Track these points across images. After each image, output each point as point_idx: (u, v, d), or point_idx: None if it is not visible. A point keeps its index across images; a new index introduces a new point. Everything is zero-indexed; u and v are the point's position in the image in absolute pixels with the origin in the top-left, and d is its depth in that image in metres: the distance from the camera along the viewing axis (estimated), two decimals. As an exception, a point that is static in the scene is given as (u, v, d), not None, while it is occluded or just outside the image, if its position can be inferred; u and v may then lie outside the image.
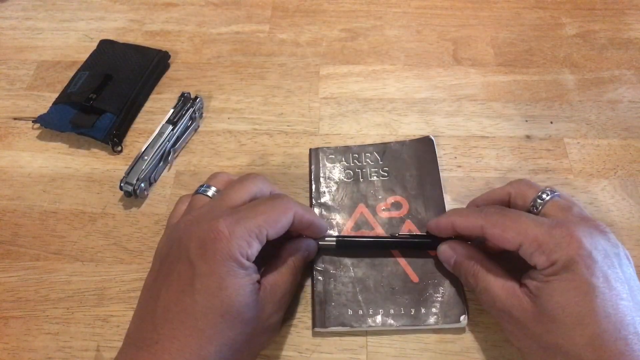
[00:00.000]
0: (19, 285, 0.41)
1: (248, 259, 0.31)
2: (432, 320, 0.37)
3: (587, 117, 0.49)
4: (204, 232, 0.31)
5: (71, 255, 0.42)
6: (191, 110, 0.48)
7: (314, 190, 0.44)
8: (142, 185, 0.44)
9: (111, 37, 0.56)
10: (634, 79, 0.52)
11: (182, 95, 0.49)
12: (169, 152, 0.46)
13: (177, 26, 0.59)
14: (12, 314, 0.39)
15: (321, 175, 0.45)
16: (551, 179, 0.45)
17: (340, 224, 0.42)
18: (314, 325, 0.37)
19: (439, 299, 0.38)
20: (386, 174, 0.44)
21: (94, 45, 0.55)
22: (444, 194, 0.43)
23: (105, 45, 0.55)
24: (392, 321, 0.37)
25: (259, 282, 0.33)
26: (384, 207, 0.43)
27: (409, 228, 0.42)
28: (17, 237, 0.43)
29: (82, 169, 0.47)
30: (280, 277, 0.35)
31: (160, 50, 0.54)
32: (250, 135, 0.49)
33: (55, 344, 0.38)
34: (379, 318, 0.37)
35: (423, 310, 0.37)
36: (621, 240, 0.41)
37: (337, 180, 0.44)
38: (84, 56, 0.54)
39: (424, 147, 0.46)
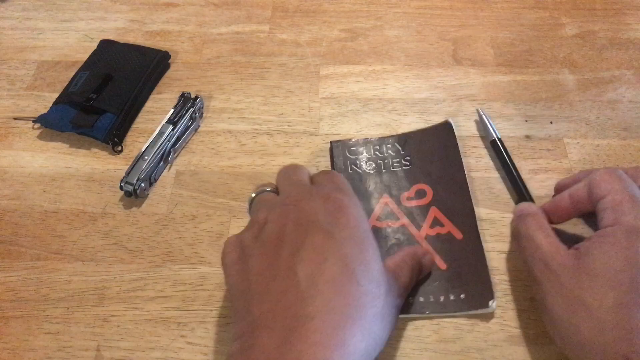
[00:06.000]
0: (19, 285, 0.41)
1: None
2: (461, 306, 0.37)
3: (587, 117, 0.49)
4: (324, 203, 0.31)
5: (71, 255, 0.42)
6: (191, 110, 0.48)
7: None
8: (143, 185, 0.44)
9: (111, 37, 0.56)
10: (633, 79, 0.52)
11: (183, 95, 0.49)
12: (169, 152, 0.46)
13: (178, 26, 0.59)
14: (12, 313, 0.39)
15: (343, 167, 0.45)
16: (551, 179, 0.45)
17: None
18: None
19: (467, 285, 0.38)
20: (408, 163, 0.44)
21: (94, 45, 0.55)
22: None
23: (106, 45, 0.55)
24: (421, 308, 0.37)
25: None
26: (408, 196, 0.43)
27: (434, 215, 0.41)
28: (17, 236, 0.43)
29: (82, 168, 0.47)
30: (399, 262, 0.35)
31: (160, 50, 0.54)
32: (250, 135, 0.49)
33: (55, 343, 0.38)
34: (408, 306, 0.37)
35: (452, 297, 0.37)
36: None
37: (361, 172, 0.44)
38: (84, 56, 0.54)
39: (444, 132, 0.46)
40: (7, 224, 0.44)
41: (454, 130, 0.46)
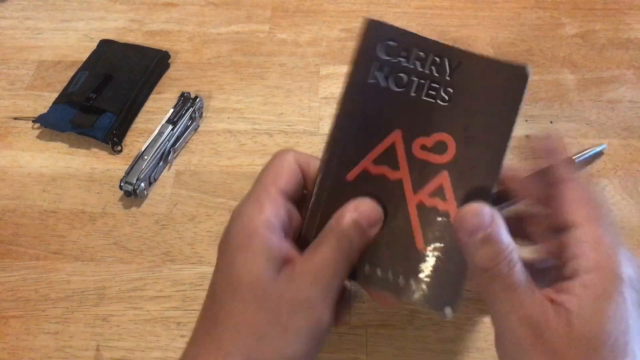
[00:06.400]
0: (19, 285, 0.41)
1: (265, 226, 0.27)
2: (416, 296, 0.30)
3: (587, 117, 0.49)
4: (228, 223, 0.29)
5: (71, 255, 0.42)
6: (191, 110, 0.48)
7: (343, 90, 0.32)
8: (142, 185, 0.44)
9: (111, 37, 0.56)
10: (634, 78, 0.52)
11: (182, 95, 0.49)
12: (169, 152, 0.46)
13: (177, 26, 0.59)
14: (12, 313, 0.39)
15: (365, 69, 0.32)
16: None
17: (356, 153, 0.31)
18: None
19: (436, 279, 0.30)
20: (447, 98, 0.31)
21: (94, 45, 0.55)
22: None
23: (105, 45, 0.55)
24: (375, 282, 0.30)
25: (288, 256, 0.28)
26: (423, 144, 0.31)
27: (441, 182, 0.31)
28: (17, 236, 0.43)
29: (82, 168, 0.47)
30: (316, 250, 0.28)
31: (160, 50, 0.54)
32: (250, 135, 0.49)
33: (55, 343, 0.38)
34: (375, 279, 0.30)
35: (412, 285, 0.30)
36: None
37: (382, 85, 0.31)
38: (84, 56, 0.54)
39: (514, 79, 0.31)
40: (7, 223, 0.44)
41: (526, 84, 0.31)
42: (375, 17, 0.33)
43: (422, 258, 0.30)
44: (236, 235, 0.28)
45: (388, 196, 0.31)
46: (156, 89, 0.53)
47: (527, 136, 0.48)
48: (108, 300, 0.40)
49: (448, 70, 0.32)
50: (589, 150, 0.45)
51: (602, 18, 0.58)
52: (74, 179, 0.47)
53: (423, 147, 0.31)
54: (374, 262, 0.30)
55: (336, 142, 0.31)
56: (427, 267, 0.30)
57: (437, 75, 0.31)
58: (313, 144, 0.48)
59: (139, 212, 0.44)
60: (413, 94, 0.31)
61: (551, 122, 0.49)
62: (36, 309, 0.39)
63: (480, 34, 0.57)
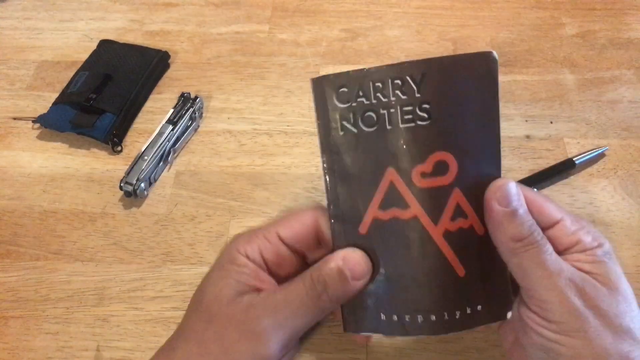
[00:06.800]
0: (18, 285, 0.41)
1: (246, 255, 0.28)
2: (476, 320, 0.29)
3: (587, 117, 0.49)
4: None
5: (71, 255, 0.42)
6: (191, 110, 0.48)
7: (321, 151, 0.29)
8: (142, 185, 0.44)
9: (111, 37, 0.56)
10: (634, 79, 0.52)
11: (182, 95, 0.49)
12: (169, 152, 0.46)
13: (177, 26, 0.59)
14: (12, 313, 0.39)
15: (332, 124, 0.29)
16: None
17: (359, 206, 0.29)
18: (345, 329, 0.30)
19: (486, 293, 0.29)
20: (426, 116, 0.28)
21: (93, 45, 0.55)
22: None
23: (105, 45, 0.55)
24: (432, 328, 0.29)
25: (262, 288, 0.28)
26: (423, 171, 0.29)
27: (457, 201, 0.29)
28: (17, 237, 0.43)
29: (82, 169, 0.47)
30: (285, 287, 0.28)
31: (160, 50, 0.54)
32: (250, 135, 0.49)
33: (55, 343, 0.38)
34: (416, 327, 0.29)
35: (469, 311, 0.29)
36: (621, 240, 0.41)
37: (354, 132, 0.29)
38: (84, 56, 0.54)
39: (484, 66, 0.29)
40: (7, 224, 0.44)
41: (497, 69, 0.29)
42: (319, 74, 0.32)
43: (468, 283, 0.29)
44: (221, 257, 0.29)
45: (410, 237, 0.29)
46: (156, 89, 0.53)
47: (527, 136, 0.48)
48: (108, 300, 0.40)
49: (414, 87, 0.29)
50: (590, 151, 0.45)
51: (602, 18, 0.58)
52: (74, 179, 0.47)
53: (423, 175, 0.29)
54: (420, 309, 0.29)
55: (335, 203, 0.29)
56: (476, 288, 0.29)
57: (405, 97, 0.28)
58: (313, 144, 0.48)
59: (139, 213, 0.44)
60: (389, 127, 0.29)
61: (551, 122, 0.49)
62: (36, 310, 0.39)
63: (480, 34, 0.57)
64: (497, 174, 0.29)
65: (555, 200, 0.30)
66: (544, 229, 0.28)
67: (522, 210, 0.27)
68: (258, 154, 0.48)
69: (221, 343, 0.26)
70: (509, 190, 0.27)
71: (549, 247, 0.27)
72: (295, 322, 0.27)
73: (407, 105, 0.28)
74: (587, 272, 0.27)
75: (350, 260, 0.28)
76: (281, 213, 0.31)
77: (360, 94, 0.29)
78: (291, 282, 0.28)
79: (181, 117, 0.47)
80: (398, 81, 0.28)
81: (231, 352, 0.26)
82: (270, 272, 0.29)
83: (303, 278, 0.27)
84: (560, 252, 0.28)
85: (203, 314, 0.27)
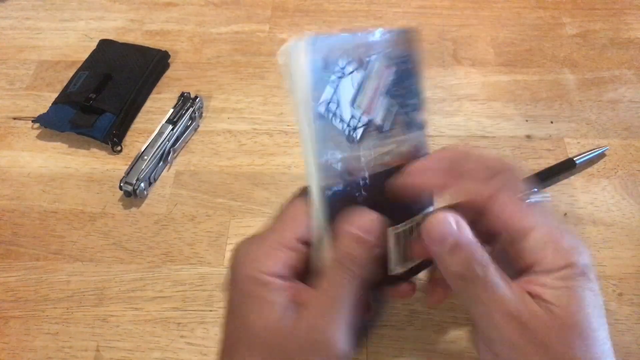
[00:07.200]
0: (18, 285, 0.41)
1: (273, 274, 0.27)
2: None
3: (588, 116, 0.49)
4: (232, 259, 0.29)
5: (71, 255, 0.42)
6: (191, 110, 0.48)
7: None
8: (142, 185, 0.44)
9: (111, 37, 0.56)
10: (634, 78, 0.52)
11: (182, 95, 0.49)
12: (169, 152, 0.46)
13: (177, 26, 0.59)
14: (11, 314, 0.39)
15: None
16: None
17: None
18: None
19: None
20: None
21: (93, 45, 0.55)
22: None
23: (105, 45, 0.55)
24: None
25: (300, 299, 0.27)
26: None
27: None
28: (16, 237, 0.43)
29: (81, 168, 0.47)
30: (322, 286, 0.27)
31: (160, 50, 0.54)
32: (250, 135, 0.49)
33: (54, 344, 0.38)
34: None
35: None
36: (621, 240, 0.41)
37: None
38: (84, 56, 0.54)
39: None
40: (7, 224, 0.44)
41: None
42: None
43: None
44: (246, 282, 0.27)
45: None
46: (156, 88, 0.53)
47: (527, 136, 0.48)
48: (108, 300, 0.40)
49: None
50: (590, 151, 0.45)
51: (602, 18, 0.58)
52: (74, 179, 0.47)
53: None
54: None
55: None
56: None
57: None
58: (313, 144, 0.48)
59: (138, 213, 0.44)
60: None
61: (551, 122, 0.49)
62: (36, 310, 0.39)
63: (481, 34, 0.57)
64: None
65: (543, 204, 0.28)
66: (514, 241, 0.27)
67: (458, 245, 0.26)
68: (258, 153, 0.48)
69: None
70: (441, 229, 0.26)
71: (492, 279, 0.25)
72: (348, 307, 0.27)
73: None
74: (543, 301, 0.25)
75: (359, 222, 0.27)
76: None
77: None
78: (322, 279, 0.27)
79: (181, 116, 0.47)
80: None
81: None
82: (298, 276, 0.28)
83: (330, 268, 0.27)
84: (522, 270, 0.26)
85: (265, 350, 0.26)
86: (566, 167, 0.45)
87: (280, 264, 0.27)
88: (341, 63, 0.27)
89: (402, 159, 0.29)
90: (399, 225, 0.29)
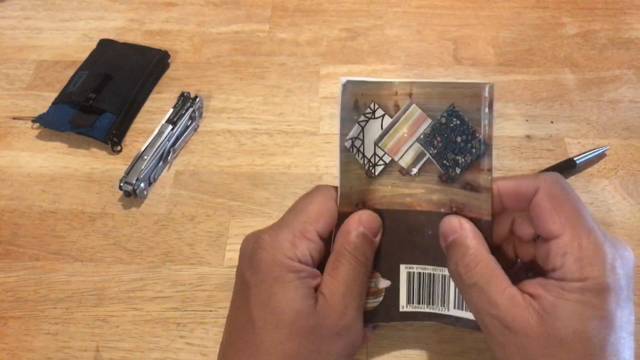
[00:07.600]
0: (18, 285, 0.40)
1: (299, 261, 0.29)
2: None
3: (588, 116, 0.49)
4: (250, 247, 0.30)
5: (70, 255, 0.42)
6: (191, 110, 0.48)
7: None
8: (142, 185, 0.44)
9: (111, 37, 0.56)
10: (634, 78, 0.52)
11: (182, 94, 0.49)
12: (169, 152, 0.46)
13: (177, 26, 0.59)
14: (11, 314, 0.39)
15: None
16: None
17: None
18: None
19: None
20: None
21: (93, 45, 0.55)
22: None
23: (105, 45, 0.55)
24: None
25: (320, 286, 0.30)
26: None
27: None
28: (16, 237, 0.43)
29: (81, 168, 0.47)
30: (339, 276, 0.29)
31: (160, 50, 0.54)
32: (250, 135, 0.49)
33: (54, 344, 0.38)
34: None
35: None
36: (621, 241, 0.41)
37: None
38: (84, 56, 0.54)
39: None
40: (6, 224, 0.44)
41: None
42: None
43: None
44: (271, 268, 0.28)
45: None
46: (156, 88, 0.53)
47: (527, 136, 0.48)
48: (107, 300, 0.39)
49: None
50: (591, 151, 0.45)
51: (602, 18, 0.58)
52: (74, 179, 0.46)
53: None
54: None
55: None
56: None
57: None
58: (313, 144, 0.48)
59: (138, 213, 0.44)
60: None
61: (552, 122, 0.49)
62: (36, 310, 0.39)
63: (481, 34, 0.57)
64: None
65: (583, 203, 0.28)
66: (544, 242, 0.28)
67: (455, 243, 0.29)
68: (258, 153, 0.48)
69: (320, 352, 0.28)
70: (446, 227, 0.30)
71: (479, 281, 0.27)
72: (362, 299, 0.31)
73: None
74: (542, 308, 0.25)
75: (366, 222, 0.30)
76: (284, 210, 0.31)
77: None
78: (337, 269, 0.29)
79: (181, 116, 0.47)
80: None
81: (331, 357, 0.29)
82: (315, 267, 0.30)
83: (345, 259, 0.30)
84: (546, 271, 0.27)
85: (292, 331, 0.28)
86: (566, 167, 0.45)
87: (307, 252, 0.29)
88: (373, 106, 0.30)
89: (429, 205, 0.31)
90: (413, 265, 0.32)
